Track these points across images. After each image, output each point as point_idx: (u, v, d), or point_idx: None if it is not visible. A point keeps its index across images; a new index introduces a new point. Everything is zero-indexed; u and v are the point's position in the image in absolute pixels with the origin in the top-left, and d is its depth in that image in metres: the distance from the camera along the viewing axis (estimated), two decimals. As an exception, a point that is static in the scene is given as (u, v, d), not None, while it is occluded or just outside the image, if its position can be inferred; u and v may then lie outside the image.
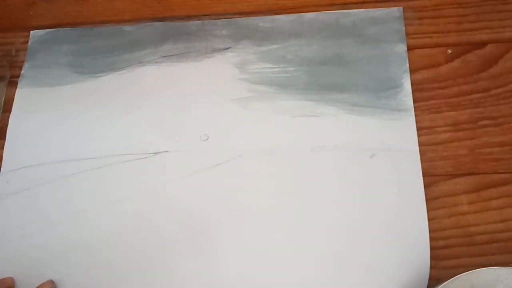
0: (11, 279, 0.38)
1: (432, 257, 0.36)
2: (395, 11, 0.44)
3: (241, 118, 0.42)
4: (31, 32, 0.48)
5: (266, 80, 0.43)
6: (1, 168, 0.42)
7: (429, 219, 0.37)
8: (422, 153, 0.39)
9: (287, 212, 0.38)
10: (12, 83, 0.46)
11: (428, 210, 0.37)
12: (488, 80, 0.41)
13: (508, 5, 0.43)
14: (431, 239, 0.36)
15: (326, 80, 0.42)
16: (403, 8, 0.44)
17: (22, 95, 0.45)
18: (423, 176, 0.38)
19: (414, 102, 0.41)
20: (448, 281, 0.31)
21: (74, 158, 0.42)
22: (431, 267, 0.35)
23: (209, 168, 0.40)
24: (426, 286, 0.35)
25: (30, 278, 0.38)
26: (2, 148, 0.43)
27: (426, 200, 0.37)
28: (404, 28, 0.43)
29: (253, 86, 0.43)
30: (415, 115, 0.40)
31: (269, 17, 0.45)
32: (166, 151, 0.41)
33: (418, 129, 0.40)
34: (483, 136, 0.39)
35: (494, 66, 0.41)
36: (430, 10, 0.44)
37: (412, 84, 0.41)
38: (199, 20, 0.46)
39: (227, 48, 0.45)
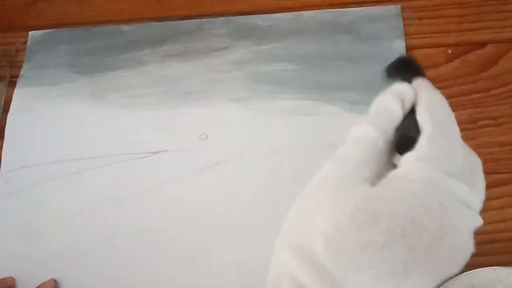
0: (12, 278, 0.38)
1: (432, 257, 0.35)
2: (392, 8, 0.44)
3: (240, 117, 0.42)
4: (30, 33, 0.48)
5: (265, 79, 0.43)
6: (1, 168, 0.42)
7: (429, 219, 0.37)
8: (422, 153, 0.39)
9: (286, 211, 0.38)
10: (12, 83, 0.46)
11: (428, 210, 0.37)
12: (488, 80, 0.41)
13: (508, 5, 0.43)
14: (431, 239, 0.36)
15: (325, 79, 0.42)
16: (403, 8, 0.44)
17: (21, 95, 0.45)
18: (423, 176, 0.38)
19: (414, 102, 0.41)
20: (448, 281, 0.31)
21: (73, 158, 0.42)
22: (431, 267, 0.35)
23: (209, 167, 0.40)
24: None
25: (30, 278, 0.38)
26: (1, 148, 0.43)
27: (426, 200, 0.37)
28: (402, 25, 0.43)
29: (253, 85, 0.43)
30: (415, 115, 0.40)
31: (267, 16, 0.45)
32: (166, 150, 0.41)
33: (418, 129, 0.40)
34: (483, 136, 0.39)
35: (494, 66, 0.41)
36: (430, 10, 0.44)
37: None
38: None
39: (226, 48, 0.45)
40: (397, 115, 0.27)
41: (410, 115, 0.28)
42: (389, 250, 0.23)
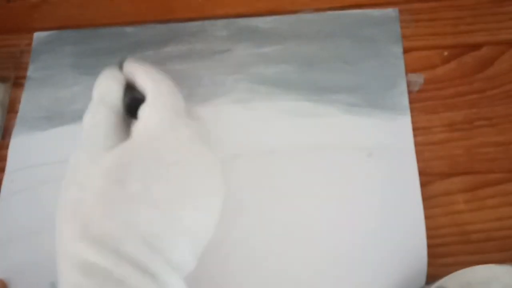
0: (1, 281, 0.38)
1: (428, 255, 0.36)
2: (391, 11, 0.45)
3: (241, 118, 0.42)
4: (35, 34, 0.48)
5: (265, 81, 0.43)
6: (6, 167, 0.43)
7: (425, 218, 0.37)
8: (418, 153, 0.39)
9: (285, 212, 0.39)
10: (17, 85, 0.46)
11: (424, 208, 0.37)
12: (484, 81, 0.42)
13: (503, 7, 0.44)
14: (428, 237, 0.36)
15: (324, 81, 0.43)
16: (400, 10, 0.44)
17: (27, 96, 0.45)
18: (420, 175, 0.38)
19: (411, 103, 0.41)
20: (445, 278, 0.31)
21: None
22: (428, 265, 0.36)
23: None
24: (424, 283, 0.35)
25: (31, 277, 0.38)
26: (7, 147, 0.43)
27: (423, 199, 0.38)
28: (399, 29, 0.44)
29: (253, 86, 0.43)
30: (412, 116, 0.41)
31: (268, 18, 0.46)
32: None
33: (415, 129, 0.40)
34: (478, 136, 0.40)
35: (490, 68, 0.42)
36: (426, 12, 0.45)
37: (409, 85, 0.42)
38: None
39: (227, 50, 0.45)
40: (117, 90, 0.32)
41: (131, 90, 0.33)
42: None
